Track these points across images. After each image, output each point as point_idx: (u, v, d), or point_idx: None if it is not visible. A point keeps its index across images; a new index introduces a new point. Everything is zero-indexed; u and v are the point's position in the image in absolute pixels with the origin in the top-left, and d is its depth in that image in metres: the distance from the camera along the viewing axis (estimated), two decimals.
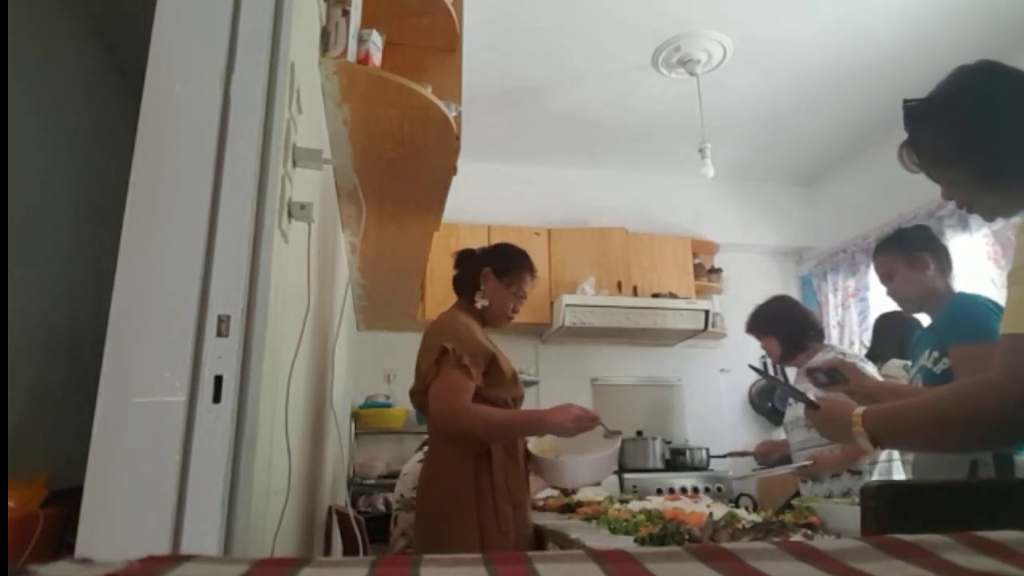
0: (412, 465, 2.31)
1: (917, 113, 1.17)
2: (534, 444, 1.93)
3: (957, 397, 1.02)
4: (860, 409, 1.10)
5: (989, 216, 1.15)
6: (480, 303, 1.91)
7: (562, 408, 1.74)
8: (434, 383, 1.73)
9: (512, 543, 1.73)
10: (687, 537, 1.28)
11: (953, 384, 1.15)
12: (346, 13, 1.62)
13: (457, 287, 2.01)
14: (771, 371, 3.35)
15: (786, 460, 2.35)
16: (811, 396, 1.32)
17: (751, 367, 1.81)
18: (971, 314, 1.67)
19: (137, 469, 0.83)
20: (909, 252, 1.85)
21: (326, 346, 2.02)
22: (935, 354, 1.72)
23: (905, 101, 1.18)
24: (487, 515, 1.70)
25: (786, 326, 2.34)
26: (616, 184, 4.71)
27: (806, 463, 2.13)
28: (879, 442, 1.09)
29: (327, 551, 2.26)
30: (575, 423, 1.72)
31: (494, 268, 1.93)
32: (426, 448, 2.08)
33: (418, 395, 1.83)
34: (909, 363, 2.06)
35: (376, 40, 1.71)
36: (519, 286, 1.94)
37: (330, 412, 2.20)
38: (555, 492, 2.33)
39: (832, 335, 4.42)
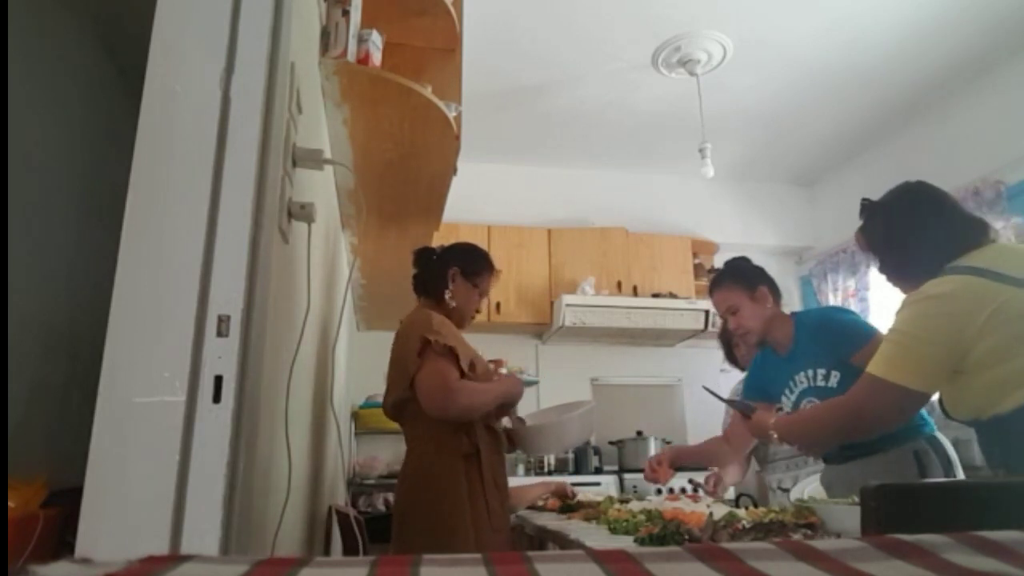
0: None
1: (863, 209, 1.56)
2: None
3: (826, 409, 1.53)
4: (774, 419, 1.64)
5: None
6: (450, 302, 1.87)
7: (513, 376, 1.94)
8: (420, 373, 1.65)
9: (504, 540, 1.74)
10: (687, 537, 1.28)
11: (828, 400, 1.56)
12: (346, 13, 1.62)
13: (422, 287, 1.95)
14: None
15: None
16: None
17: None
18: (847, 325, 1.86)
19: (137, 469, 0.83)
20: (751, 286, 1.91)
21: (326, 346, 2.02)
22: (822, 371, 1.80)
23: (862, 200, 1.56)
24: (480, 514, 1.69)
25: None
26: (616, 184, 4.71)
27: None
28: (785, 441, 1.64)
29: (327, 551, 2.26)
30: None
31: (462, 268, 1.90)
32: None
33: (396, 406, 1.77)
34: None
35: (376, 40, 1.71)
36: (485, 286, 1.94)
37: (330, 412, 2.20)
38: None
39: None
